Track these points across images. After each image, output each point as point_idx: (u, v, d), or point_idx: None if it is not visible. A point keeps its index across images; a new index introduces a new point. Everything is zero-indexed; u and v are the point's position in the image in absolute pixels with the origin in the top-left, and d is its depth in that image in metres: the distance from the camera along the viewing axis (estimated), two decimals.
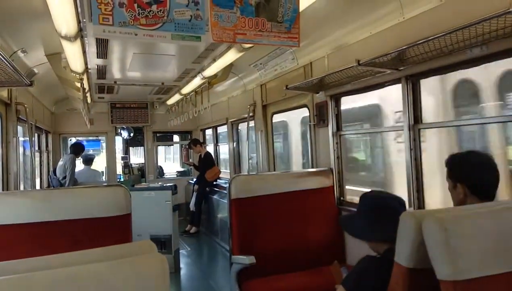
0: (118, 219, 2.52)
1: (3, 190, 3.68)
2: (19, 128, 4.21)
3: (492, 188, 1.72)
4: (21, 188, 4.37)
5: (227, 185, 3.17)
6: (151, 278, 1.04)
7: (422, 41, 2.08)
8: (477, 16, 1.80)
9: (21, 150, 4.38)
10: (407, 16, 2.52)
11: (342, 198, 3.57)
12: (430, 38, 2.02)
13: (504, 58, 2.07)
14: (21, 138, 4.42)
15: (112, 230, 2.48)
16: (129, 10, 1.78)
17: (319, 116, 3.72)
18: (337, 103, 3.54)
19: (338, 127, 3.55)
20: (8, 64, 2.03)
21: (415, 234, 1.33)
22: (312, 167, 3.91)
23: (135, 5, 1.79)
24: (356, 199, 3.54)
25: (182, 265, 5.30)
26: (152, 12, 1.82)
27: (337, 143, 3.55)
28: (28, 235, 2.40)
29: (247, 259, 2.90)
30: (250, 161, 5.67)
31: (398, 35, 2.58)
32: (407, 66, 2.55)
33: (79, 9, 2.43)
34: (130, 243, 1.28)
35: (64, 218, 2.43)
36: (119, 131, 8.46)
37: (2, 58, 1.91)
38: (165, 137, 9.32)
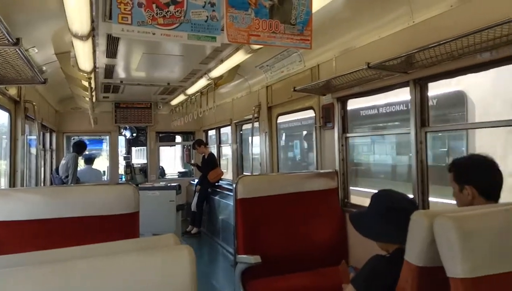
0: (127, 217, 2.55)
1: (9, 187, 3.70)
2: (26, 126, 4.24)
3: (498, 188, 1.77)
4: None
5: (233, 185, 3.20)
6: (181, 268, 1.07)
7: (432, 45, 2.11)
8: (487, 21, 1.83)
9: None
10: (417, 20, 2.56)
11: (346, 200, 3.60)
12: (441, 42, 2.05)
13: None
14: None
15: (121, 227, 2.50)
16: (148, 10, 1.82)
17: (325, 119, 3.75)
18: (344, 106, 3.57)
19: (344, 130, 3.58)
20: (27, 62, 2.06)
21: (426, 233, 1.36)
22: (317, 169, 3.94)
23: (154, 5, 1.83)
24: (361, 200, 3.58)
25: None
26: (169, 12, 1.86)
27: (342, 145, 3.58)
28: (37, 231, 2.42)
29: (252, 259, 2.93)
30: (254, 162, 5.69)
31: (407, 39, 2.61)
32: (415, 69, 2.59)
33: (94, 8, 2.46)
34: (154, 236, 1.30)
35: (73, 215, 2.45)
36: (122, 131, 8.49)
37: (22, 56, 1.94)
38: (167, 138, 9.35)
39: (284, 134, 6.87)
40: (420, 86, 2.70)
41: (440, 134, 4.40)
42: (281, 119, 4.93)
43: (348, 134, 3.58)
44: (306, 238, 3.25)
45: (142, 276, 1.03)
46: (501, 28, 1.80)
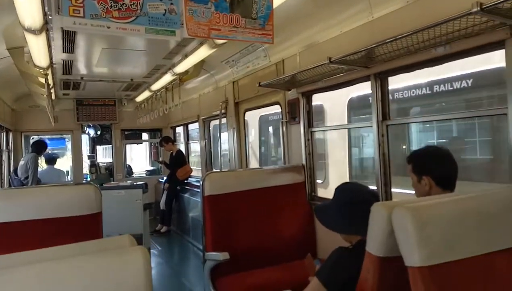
0: (89, 218, 2.46)
1: None
2: None
3: (453, 178, 1.85)
4: None
5: (200, 182, 3.16)
6: (134, 270, 1.04)
7: (390, 40, 2.16)
8: (442, 16, 1.89)
9: None
10: (376, 15, 2.61)
11: (313, 193, 3.65)
12: (397, 37, 2.10)
13: (465, 57, 2.19)
14: None
15: (83, 229, 2.42)
16: (101, 3, 1.74)
17: (291, 114, 3.77)
18: (309, 100, 3.60)
19: (310, 124, 3.61)
20: None
21: (385, 223, 1.39)
22: (285, 163, 3.96)
23: None
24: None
25: (153, 265, 5.22)
26: (125, 5, 1.79)
27: (308, 140, 3.61)
28: None
29: (220, 256, 2.91)
30: (222, 159, 5.66)
31: (367, 34, 2.66)
32: (376, 64, 2.64)
33: (45, 1, 2.35)
34: (109, 238, 1.26)
35: (32, 217, 2.35)
36: (85, 129, 8.20)
37: None
38: (134, 135, 9.13)
39: (272, 127, 6.66)
40: (380, 80, 2.75)
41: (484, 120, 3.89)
42: (269, 110, 4.68)
43: (313, 129, 3.62)
44: (275, 232, 3.27)
45: (94, 279, 1.00)
46: (452, 24, 1.86)
